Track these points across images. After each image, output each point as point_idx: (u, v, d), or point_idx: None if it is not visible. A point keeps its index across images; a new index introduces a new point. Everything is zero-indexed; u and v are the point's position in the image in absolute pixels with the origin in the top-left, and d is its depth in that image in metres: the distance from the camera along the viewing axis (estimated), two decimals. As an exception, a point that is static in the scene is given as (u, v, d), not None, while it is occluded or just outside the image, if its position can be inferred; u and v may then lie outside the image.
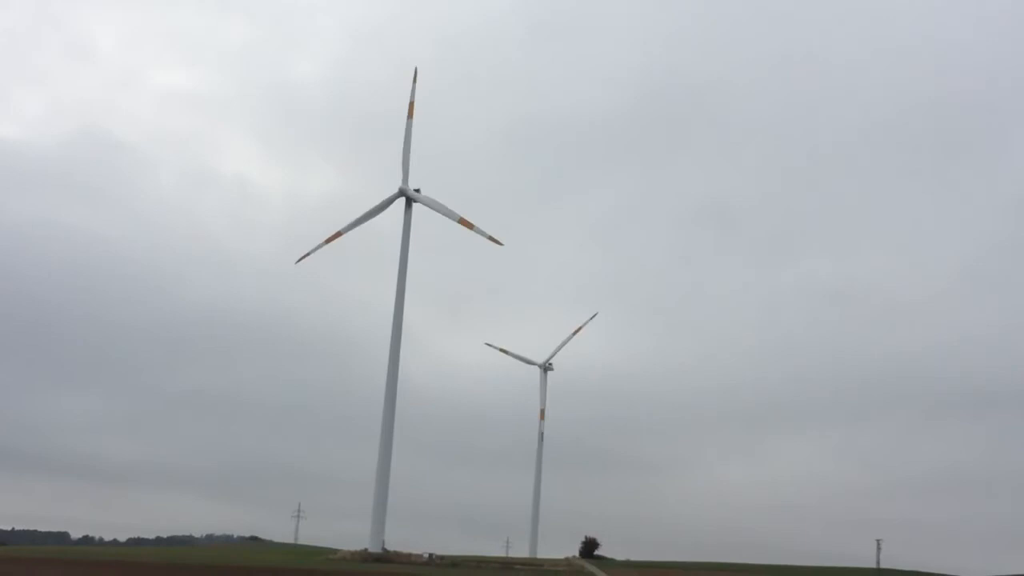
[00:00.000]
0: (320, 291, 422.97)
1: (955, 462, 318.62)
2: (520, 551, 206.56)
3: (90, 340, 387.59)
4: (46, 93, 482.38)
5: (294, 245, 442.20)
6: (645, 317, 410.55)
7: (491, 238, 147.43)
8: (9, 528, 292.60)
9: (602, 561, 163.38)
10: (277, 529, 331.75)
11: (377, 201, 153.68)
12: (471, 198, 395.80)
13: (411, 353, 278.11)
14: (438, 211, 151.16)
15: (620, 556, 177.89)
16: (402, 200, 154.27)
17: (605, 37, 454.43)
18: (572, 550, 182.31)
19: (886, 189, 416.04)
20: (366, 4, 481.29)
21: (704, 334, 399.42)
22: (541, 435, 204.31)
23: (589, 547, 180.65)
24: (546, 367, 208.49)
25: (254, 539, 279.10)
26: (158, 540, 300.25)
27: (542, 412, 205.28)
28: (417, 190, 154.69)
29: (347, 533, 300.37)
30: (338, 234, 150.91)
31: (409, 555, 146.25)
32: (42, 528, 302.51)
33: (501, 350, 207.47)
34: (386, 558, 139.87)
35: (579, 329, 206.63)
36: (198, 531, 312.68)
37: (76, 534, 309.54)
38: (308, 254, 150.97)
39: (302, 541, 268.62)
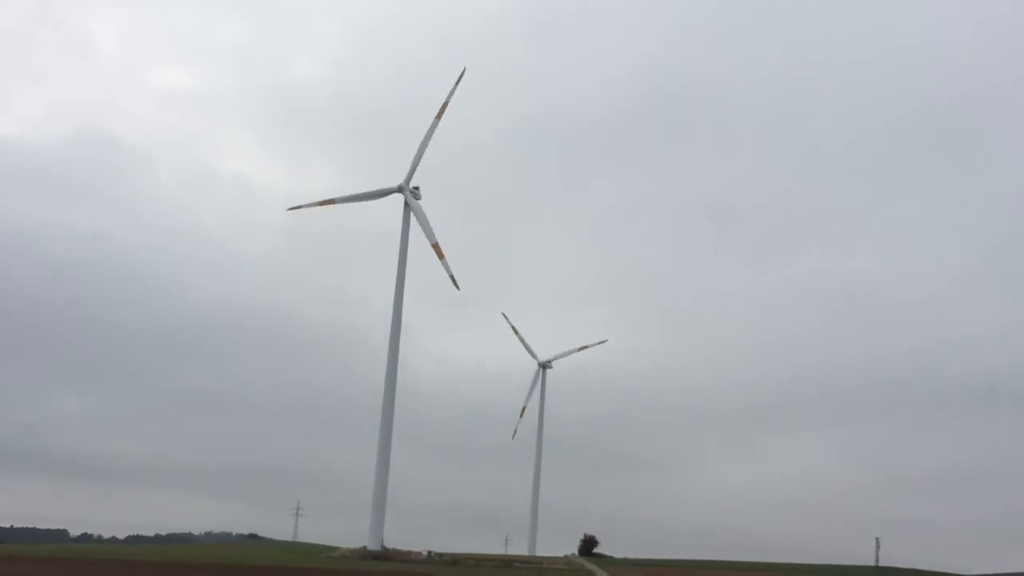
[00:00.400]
0: (320, 290, 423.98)
1: (955, 461, 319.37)
2: (519, 549, 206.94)
3: (90, 339, 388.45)
4: (46, 92, 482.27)
5: (294, 243, 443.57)
6: (645, 316, 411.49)
7: (452, 277, 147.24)
8: (8, 526, 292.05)
9: (601, 559, 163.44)
10: (276, 527, 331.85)
11: (377, 200, 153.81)
12: (471, 197, 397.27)
13: (410, 351, 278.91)
14: (420, 224, 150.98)
15: (619, 554, 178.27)
16: (401, 197, 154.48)
17: (605, 37, 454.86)
18: (571, 548, 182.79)
19: (886, 189, 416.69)
20: (366, 3, 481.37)
21: (704, 333, 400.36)
22: (515, 432, 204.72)
23: (588, 545, 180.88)
24: (545, 366, 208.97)
25: (253, 537, 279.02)
26: (157, 538, 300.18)
27: (523, 410, 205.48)
28: (416, 188, 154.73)
29: (346, 531, 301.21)
30: (332, 201, 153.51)
31: (408, 553, 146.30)
32: (41, 526, 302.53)
33: (513, 328, 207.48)
34: (385, 556, 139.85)
35: (586, 347, 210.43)
36: (197, 529, 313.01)
37: (75, 532, 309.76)
38: (300, 207, 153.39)
39: (301, 539, 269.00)
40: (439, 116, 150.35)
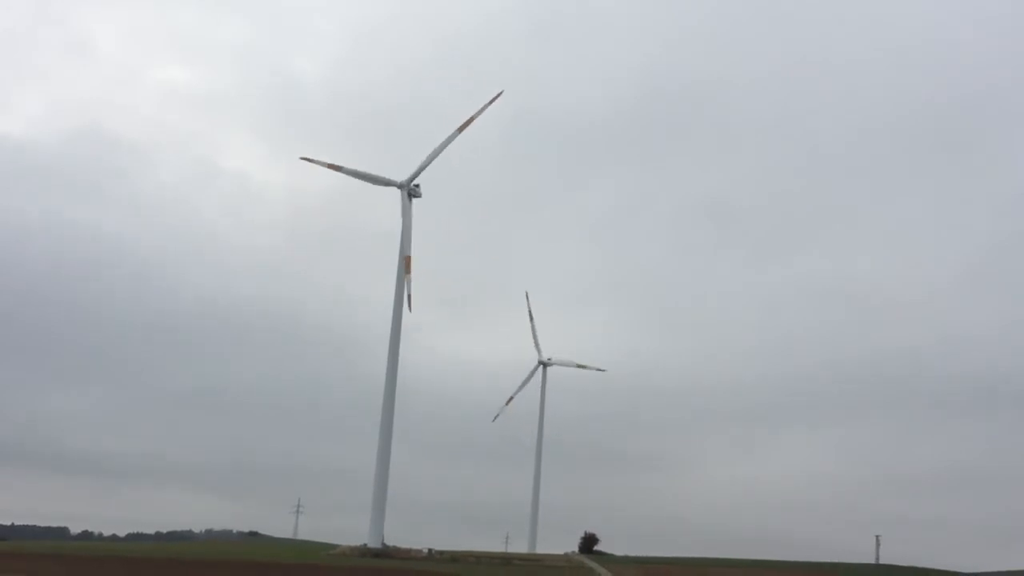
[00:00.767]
0: (320, 289, 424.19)
1: (955, 460, 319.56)
2: (519, 547, 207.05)
3: (91, 337, 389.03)
4: (46, 91, 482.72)
5: (295, 242, 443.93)
6: (645, 315, 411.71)
7: (409, 296, 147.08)
8: (8, 523, 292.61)
9: (601, 557, 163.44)
10: (276, 524, 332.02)
11: (377, 200, 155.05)
12: (471, 197, 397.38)
13: (411, 349, 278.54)
14: (403, 230, 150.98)
15: (619, 552, 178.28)
16: (399, 194, 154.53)
17: (605, 37, 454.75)
18: (571, 546, 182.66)
19: (886, 189, 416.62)
20: (366, 3, 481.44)
21: (704, 332, 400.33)
22: (496, 416, 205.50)
23: (588, 543, 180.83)
24: (546, 364, 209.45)
25: (253, 534, 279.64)
26: (157, 535, 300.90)
27: (510, 400, 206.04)
28: (417, 186, 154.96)
29: (346, 528, 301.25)
30: (339, 168, 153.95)
31: (408, 550, 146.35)
32: (41, 524, 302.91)
33: (530, 312, 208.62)
34: (385, 553, 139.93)
35: (583, 367, 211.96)
36: (197, 526, 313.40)
37: (75, 529, 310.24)
38: (312, 160, 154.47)
39: (301, 536, 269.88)
40: (461, 129, 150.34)
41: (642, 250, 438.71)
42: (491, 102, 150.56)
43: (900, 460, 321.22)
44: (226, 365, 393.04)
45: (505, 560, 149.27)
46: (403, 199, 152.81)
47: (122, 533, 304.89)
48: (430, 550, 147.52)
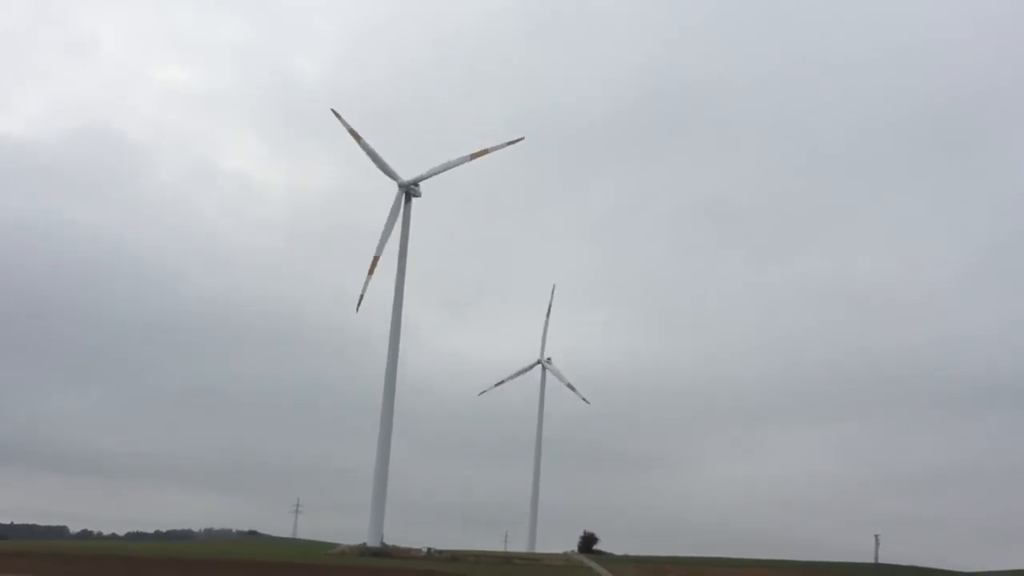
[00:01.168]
0: (321, 288, 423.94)
1: (955, 460, 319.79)
2: (519, 546, 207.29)
3: (91, 337, 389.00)
4: (47, 91, 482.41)
5: (295, 242, 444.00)
6: (645, 315, 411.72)
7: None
8: (8, 522, 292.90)
9: (601, 556, 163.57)
10: (276, 524, 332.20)
11: (377, 199, 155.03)
12: (471, 197, 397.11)
13: (411, 349, 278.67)
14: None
15: (619, 551, 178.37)
16: (401, 195, 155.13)
17: (605, 37, 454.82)
18: (571, 545, 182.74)
19: (886, 189, 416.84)
20: (366, 3, 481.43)
21: (704, 332, 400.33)
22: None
23: (588, 542, 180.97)
24: (545, 363, 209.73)
25: (253, 534, 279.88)
26: (157, 534, 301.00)
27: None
28: (416, 185, 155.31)
29: (346, 528, 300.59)
30: (359, 137, 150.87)
31: (408, 550, 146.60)
32: (41, 523, 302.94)
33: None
34: (385, 553, 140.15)
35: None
36: (197, 525, 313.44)
37: (75, 528, 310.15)
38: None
39: (301, 536, 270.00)
40: (474, 156, 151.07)
41: (642, 250, 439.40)
42: (511, 143, 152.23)
43: (900, 460, 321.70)
44: (226, 365, 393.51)
45: (504, 559, 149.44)
46: (398, 197, 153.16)
47: (121, 532, 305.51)
48: (429, 549, 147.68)
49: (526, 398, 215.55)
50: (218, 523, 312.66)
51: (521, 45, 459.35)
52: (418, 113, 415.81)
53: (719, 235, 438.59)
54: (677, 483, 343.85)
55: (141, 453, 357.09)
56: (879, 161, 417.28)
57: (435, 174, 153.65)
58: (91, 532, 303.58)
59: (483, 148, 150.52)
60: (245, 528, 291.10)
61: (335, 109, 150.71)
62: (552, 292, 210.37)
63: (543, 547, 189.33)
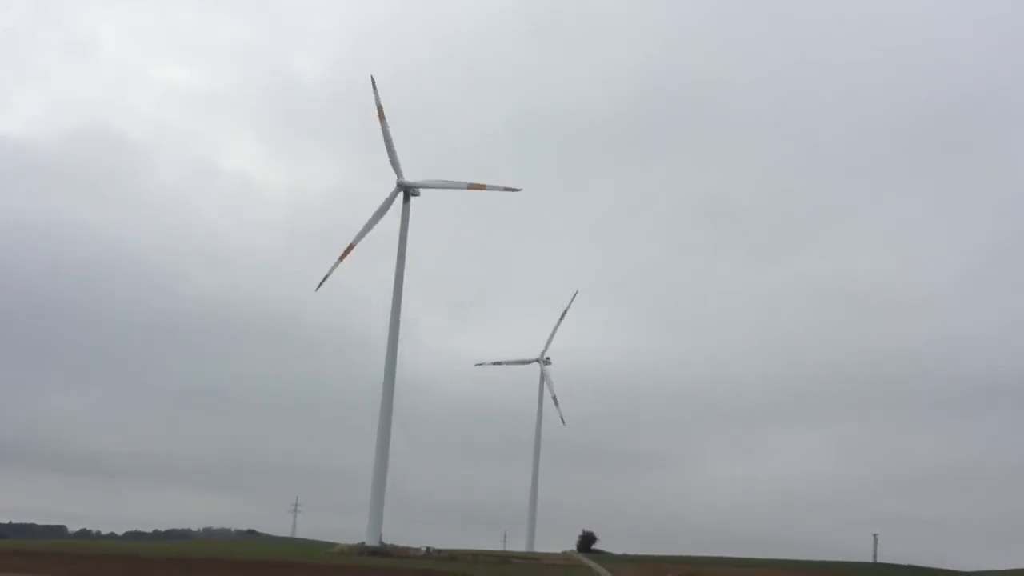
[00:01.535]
0: (321, 288, 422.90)
1: (954, 460, 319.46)
2: (517, 545, 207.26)
3: (91, 337, 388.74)
4: (47, 91, 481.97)
5: (295, 242, 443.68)
6: (644, 315, 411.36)
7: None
8: (6, 522, 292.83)
9: (600, 555, 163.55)
10: (275, 523, 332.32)
11: (377, 199, 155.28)
12: (471, 197, 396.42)
13: (410, 348, 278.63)
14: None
15: (618, 550, 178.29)
16: (401, 195, 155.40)
17: (605, 37, 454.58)
18: (570, 544, 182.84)
19: (886, 189, 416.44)
20: (366, 3, 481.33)
21: (703, 332, 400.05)
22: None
23: (587, 541, 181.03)
24: (544, 361, 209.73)
25: (251, 533, 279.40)
26: (155, 534, 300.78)
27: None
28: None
29: (345, 527, 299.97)
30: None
31: (407, 549, 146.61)
32: (39, 522, 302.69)
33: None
34: (384, 552, 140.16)
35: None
36: (195, 525, 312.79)
37: (73, 527, 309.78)
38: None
39: (299, 535, 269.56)
40: (471, 187, 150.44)
41: (642, 250, 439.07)
42: (508, 189, 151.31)
43: (900, 460, 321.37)
44: (226, 365, 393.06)
45: (503, 559, 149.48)
46: (393, 193, 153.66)
47: (120, 532, 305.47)
48: (428, 548, 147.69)
49: (525, 398, 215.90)
50: (217, 522, 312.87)
51: (521, 45, 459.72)
52: (418, 113, 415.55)
53: (719, 235, 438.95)
54: (677, 483, 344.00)
55: (141, 453, 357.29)
56: (879, 161, 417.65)
57: (431, 187, 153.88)
58: (89, 531, 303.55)
59: (481, 183, 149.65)
60: (244, 527, 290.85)
61: (373, 76, 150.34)
62: (573, 297, 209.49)
63: (542, 547, 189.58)
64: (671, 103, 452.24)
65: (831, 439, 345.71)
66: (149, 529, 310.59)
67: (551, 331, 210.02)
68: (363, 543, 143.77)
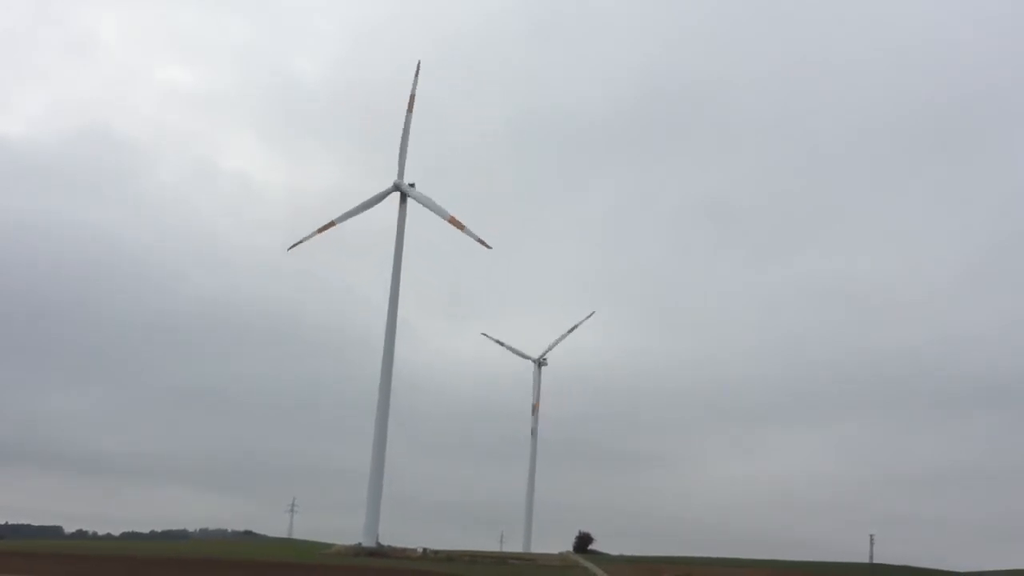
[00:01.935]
0: (319, 287, 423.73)
1: (954, 460, 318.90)
2: (514, 546, 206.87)
3: (91, 337, 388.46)
4: (47, 91, 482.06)
5: (295, 241, 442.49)
6: (644, 315, 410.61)
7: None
8: (2, 522, 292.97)
9: (596, 556, 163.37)
10: (271, 523, 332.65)
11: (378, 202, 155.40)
12: (471, 196, 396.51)
13: (408, 349, 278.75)
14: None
15: (614, 551, 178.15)
16: (397, 195, 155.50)
17: (605, 37, 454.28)
18: (566, 545, 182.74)
19: (886, 189, 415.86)
20: (366, 3, 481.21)
21: (703, 332, 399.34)
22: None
23: (583, 542, 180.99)
24: (540, 362, 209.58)
25: (248, 533, 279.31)
26: (152, 534, 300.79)
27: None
28: (412, 184, 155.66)
29: (341, 528, 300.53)
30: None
31: (403, 550, 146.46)
32: (36, 522, 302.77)
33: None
34: (380, 553, 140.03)
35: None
36: (192, 525, 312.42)
37: (69, 528, 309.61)
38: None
39: (296, 535, 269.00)
40: (450, 221, 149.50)
41: (642, 250, 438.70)
42: (481, 241, 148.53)
43: (900, 460, 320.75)
44: (226, 365, 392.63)
45: (500, 559, 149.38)
46: (389, 190, 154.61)
47: (116, 532, 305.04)
48: (425, 549, 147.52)
49: (523, 398, 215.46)
50: (213, 523, 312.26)
51: (521, 45, 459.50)
52: (418, 113, 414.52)
53: (719, 235, 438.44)
54: (677, 483, 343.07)
55: (141, 453, 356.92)
56: (879, 161, 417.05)
57: (418, 200, 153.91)
58: (86, 532, 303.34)
59: (460, 222, 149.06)
60: (240, 528, 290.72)
61: (420, 61, 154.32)
62: (588, 316, 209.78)
63: (540, 547, 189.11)
64: (671, 103, 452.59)
65: (831, 439, 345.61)
66: (145, 529, 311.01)
67: (556, 338, 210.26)
68: (360, 544, 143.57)
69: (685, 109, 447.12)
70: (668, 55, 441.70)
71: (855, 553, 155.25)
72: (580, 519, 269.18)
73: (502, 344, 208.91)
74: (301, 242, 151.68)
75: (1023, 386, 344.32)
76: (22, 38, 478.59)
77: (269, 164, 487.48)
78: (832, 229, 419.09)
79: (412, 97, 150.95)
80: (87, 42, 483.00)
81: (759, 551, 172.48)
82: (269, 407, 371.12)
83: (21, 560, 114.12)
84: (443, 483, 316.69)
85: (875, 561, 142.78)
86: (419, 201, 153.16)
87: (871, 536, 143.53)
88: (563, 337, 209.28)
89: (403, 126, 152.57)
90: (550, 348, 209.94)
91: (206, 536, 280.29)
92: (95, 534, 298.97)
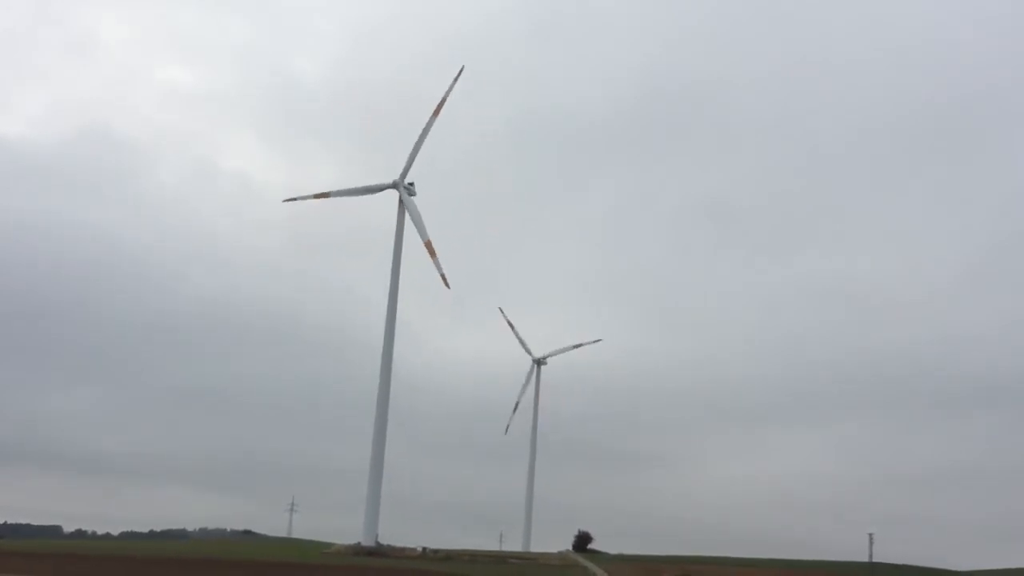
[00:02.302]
0: (319, 287, 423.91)
1: (954, 459, 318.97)
2: (514, 545, 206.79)
3: (91, 337, 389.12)
4: (47, 91, 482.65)
5: (295, 242, 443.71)
6: (645, 316, 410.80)
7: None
8: (2, 522, 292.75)
9: (595, 555, 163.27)
10: (271, 523, 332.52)
11: (378, 199, 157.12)
12: (471, 196, 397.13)
13: (407, 348, 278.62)
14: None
15: (613, 550, 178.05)
16: (395, 193, 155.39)
17: (605, 37, 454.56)
18: (565, 544, 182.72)
19: (886, 188, 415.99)
20: (366, 3, 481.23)
21: (704, 333, 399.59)
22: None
23: (582, 541, 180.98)
24: (540, 362, 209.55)
25: (248, 533, 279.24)
26: (151, 534, 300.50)
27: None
28: (411, 184, 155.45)
29: (341, 527, 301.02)
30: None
31: (403, 549, 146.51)
32: (35, 522, 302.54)
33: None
34: (380, 552, 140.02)
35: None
36: (191, 525, 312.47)
37: (69, 528, 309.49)
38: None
39: (296, 535, 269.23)
40: (426, 245, 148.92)
41: (642, 250, 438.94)
42: (442, 276, 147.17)
43: (900, 460, 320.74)
44: (226, 365, 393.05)
45: (500, 559, 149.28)
46: (401, 193, 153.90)
47: (116, 532, 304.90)
48: (424, 548, 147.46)
49: (523, 397, 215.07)
50: (213, 522, 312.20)
51: (521, 45, 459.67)
52: (418, 113, 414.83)
53: (719, 235, 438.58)
54: (677, 483, 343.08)
55: (141, 453, 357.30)
56: (879, 161, 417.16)
57: (407, 207, 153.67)
58: (84, 531, 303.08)
59: (434, 250, 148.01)
60: (240, 527, 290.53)
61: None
62: (594, 341, 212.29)
63: (540, 546, 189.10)
64: (671, 103, 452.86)
65: (831, 439, 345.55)
66: (145, 529, 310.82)
67: (559, 348, 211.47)
68: (359, 543, 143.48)
69: (685, 109, 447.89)
70: (668, 55, 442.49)
71: (855, 553, 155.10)
72: (580, 518, 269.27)
73: (512, 328, 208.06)
74: (296, 199, 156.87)
75: (1023, 386, 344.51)
76: (22, 38, 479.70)
77: (269, 164, 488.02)
78: (832, 229, 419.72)
79: (443, 102, 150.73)
80: (87, 42, 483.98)
81: (759, 551, 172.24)
82: (269, 407, 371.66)
83: (21, 560, 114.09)
84: (443, 483, 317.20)
85: (875, 561, 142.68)
86: (408, 208, 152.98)
87: (871, 536, 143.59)
88: (566, 350, 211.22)
89: (423, 128, 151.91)
90: (551, 354, 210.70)
91: (206, 536, 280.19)
92: (95, 534, 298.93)
